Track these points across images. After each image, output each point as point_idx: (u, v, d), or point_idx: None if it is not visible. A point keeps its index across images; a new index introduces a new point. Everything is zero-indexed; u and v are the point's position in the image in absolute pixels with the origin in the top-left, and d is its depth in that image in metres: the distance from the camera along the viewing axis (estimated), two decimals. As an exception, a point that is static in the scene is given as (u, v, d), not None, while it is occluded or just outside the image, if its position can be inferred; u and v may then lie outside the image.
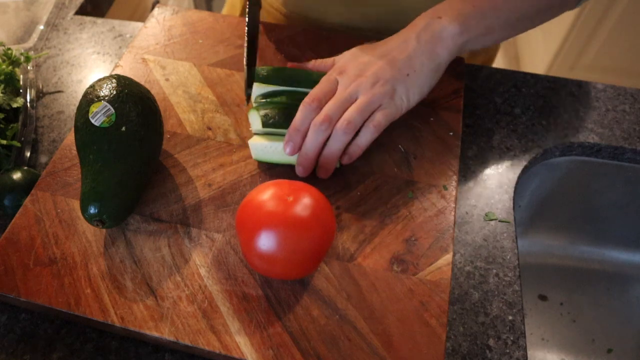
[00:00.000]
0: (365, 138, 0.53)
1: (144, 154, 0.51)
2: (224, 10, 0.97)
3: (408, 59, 0.55)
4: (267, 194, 0.45)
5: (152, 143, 0.53)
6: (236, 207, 0.54)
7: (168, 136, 0.60)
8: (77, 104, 0.68)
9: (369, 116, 0.53)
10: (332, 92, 0.55)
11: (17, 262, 0.49)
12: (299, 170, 0.55)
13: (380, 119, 0.53)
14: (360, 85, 0.54)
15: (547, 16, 0.61)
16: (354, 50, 0.59)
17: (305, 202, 0.45)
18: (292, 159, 0.56)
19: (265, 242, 0.43)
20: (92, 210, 0.47)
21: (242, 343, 0.45)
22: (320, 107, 0.53)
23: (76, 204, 0.54)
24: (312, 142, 0.52)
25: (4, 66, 0.66)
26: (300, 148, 0.54)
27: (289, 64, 0.63)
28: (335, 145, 0.53)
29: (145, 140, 0.51)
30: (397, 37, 0.58)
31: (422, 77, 0.56)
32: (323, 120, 0.52)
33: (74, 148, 0.59)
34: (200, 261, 0.50)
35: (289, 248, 0.44)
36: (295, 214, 0.44)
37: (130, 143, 0.50)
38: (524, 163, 0.63)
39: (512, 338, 0.49)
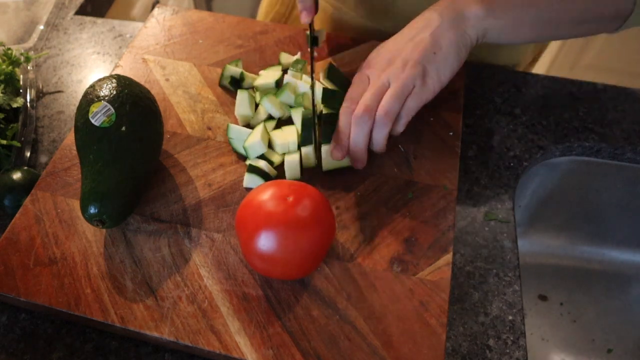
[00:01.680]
0: (399, 126, 0.55)
1: (144, 154, 0.51)
2: (261, 10, 0.95)
3: (433, 37, 0.55)
4: (267, 194, 0.45)
5: (152, 143, 0.53)
6: (236, 207, 0.54)
7: (168, 136, 0.60)
8: (77, 104, 0.68)
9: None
10: (365, 90, 0.56)
11: (17, 262, 0.49)
12: (357, 165, 0.56)
13: (410, 105, 0.54)
14: (390, 72, 0.55)
15: (582, 29, 0.59)
16: (379, 45, 0.60)
17: (305, 202, 0.45)
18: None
19: (265, 242, 0.43)
20: (92, 210, 0.47)
21: (242, 343, 0.45)
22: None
23: (76, 204, 0.54)
24: (358, 135, 0.53)
25: (4, 66, 0.66)
26: (347, 150, 0.54)
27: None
28: (379, 136, 0.54)
29: (145, 140, 0.51)
30: (420, 19, 0.58)
31: (451, 53, 0.55)
32: (364, 112, 0.53)
33: (74, 148, 0.59)
34: (200, 261, 0.50)
35: (289, 248, 0.44)
36: (295, 214, 0.44)
37: (130, 143, 0.50)
38: (524, 163, 0.63)
39: (512, 338, 0.49)
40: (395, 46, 0.57)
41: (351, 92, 0.56)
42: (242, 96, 0.61)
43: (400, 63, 0.55)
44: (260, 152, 0.56)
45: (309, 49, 0.61)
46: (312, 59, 0.60)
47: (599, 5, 0.57)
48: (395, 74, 0.54)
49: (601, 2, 0.57)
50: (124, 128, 0.49)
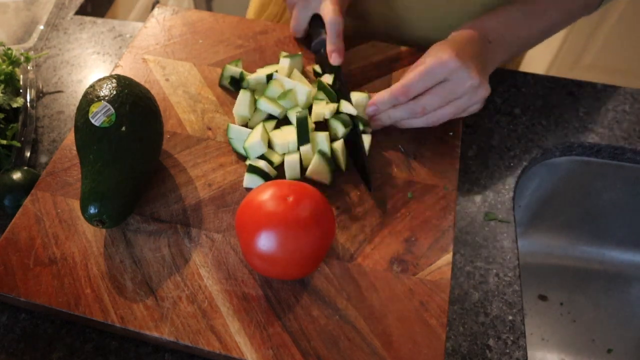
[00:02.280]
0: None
1: (144, 154, 0.51)
2: (250, 9, 0.94)
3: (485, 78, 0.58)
4: (267, 194, 0.45)
5: (152, 143, 0.53)
6: (236, 207, 0.54)
7: (168, 136, 0.60)
8: (77, 104, 0.68)
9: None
10: (428, 88, 0.57)
11: (17, 262, 0.49)
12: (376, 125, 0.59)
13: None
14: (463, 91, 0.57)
15: (571, 21, 0.67)
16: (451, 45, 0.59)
17: (305, 202, 0.45)
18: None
19: (265, 242, 0.43)
20: (92, 210, 0.47)
21: (242, 343, 0.45)
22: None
23: (76, 204, 0.54)
24: (395, 117, 0.58)
25: (4, 66, 0.66)
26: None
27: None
28: (410, 123, 0.58)
29: (145, 140, 0.51)
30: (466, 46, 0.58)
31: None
32: (421, 113, 0.56)
33: (74, 148, 0.59)
34: (200, 261, 0.50)
35: (289, 248, 0.44)
36: (295, 214, 0.44)
37: (130, 143, 0.50)
38: (524, 163, 0.63)
39: (512, 338, 0.49)
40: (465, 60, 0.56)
41: (414, 81, 0.55)
42: (243, 97, 0.61)
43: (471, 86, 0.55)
44: (260, 153, 0.56)
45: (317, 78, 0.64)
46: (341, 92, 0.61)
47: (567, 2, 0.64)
48: (469, 97, 0.56)
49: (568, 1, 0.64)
50: (124, 128, 0.49)
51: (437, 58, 0.55)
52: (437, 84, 0.55)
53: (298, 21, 0.68)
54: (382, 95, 0.57)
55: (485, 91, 0.56)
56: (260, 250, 0.44)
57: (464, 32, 0.59)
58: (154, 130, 0.53)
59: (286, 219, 0.44)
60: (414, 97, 0.56)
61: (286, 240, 0.43)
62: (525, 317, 0.75)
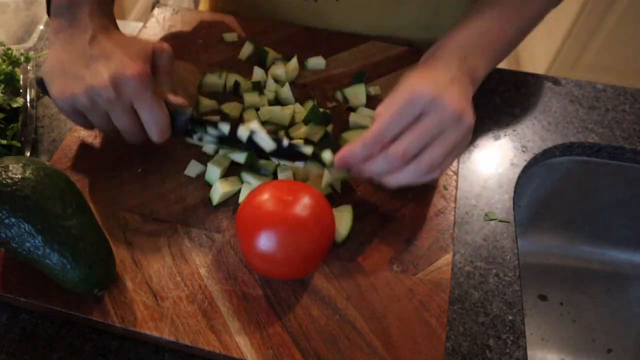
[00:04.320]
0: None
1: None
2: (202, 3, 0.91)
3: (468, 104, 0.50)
4: (266, 195, 0.45)
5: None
6: (236, 207, 0.54)
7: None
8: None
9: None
10: (406, 127, 0.48)
11: (17, 262, 0.49)
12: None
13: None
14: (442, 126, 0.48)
15: (540, 20, 0.61)
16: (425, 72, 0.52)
17: (305, 202, 0.45)
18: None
19: (265, 242, 0.43)
20: (97, 289, 0.46)
21: (242, 343, 0.45)
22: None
23: (76, 204, 0.54)
24: (380, 170, 0.48)
25: (4, 66, 0.66)
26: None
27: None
28: (401, 178, 0.48)
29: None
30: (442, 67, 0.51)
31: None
32: (401, 156, 0.46)
33: (74, 148, 0.59)
34: (200, 261, 0.50)
35: (289, 248, 0.44)
36: (295, 214, 0.44)
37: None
38: (524, 163, 0.63)
39: (512, 338, 0.49)
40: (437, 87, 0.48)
41: (386, 125, 0.47)
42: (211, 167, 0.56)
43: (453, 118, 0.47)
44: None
45: None
46: None
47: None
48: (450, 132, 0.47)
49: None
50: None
51: (407, 92, 0.47)
52: (413, 121, 0.47)
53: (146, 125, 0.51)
54: (353, 148, 0.48)
55: (469, 119, 0.48)
56: (260, 250, 0.44)
57: (434, 54, 0.54)
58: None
59: (286, 218, 0.44)
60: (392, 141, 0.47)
61: (286, 240, 0.43)
62: (525, 317, 0.75)
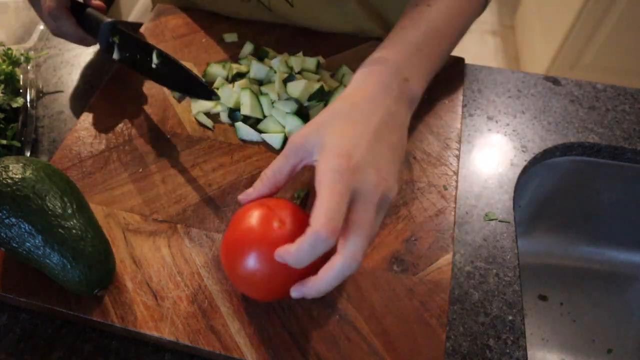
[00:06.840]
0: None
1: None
2: None
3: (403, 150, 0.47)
4: (254, 218, 0.42)
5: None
6: (236, 207, 0.54)
7: (168, 136, 0.60)
8: (77, 104, 0.68)
9: None
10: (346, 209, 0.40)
11: (17, 262, 0.49)
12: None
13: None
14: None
15: (465, 31, 0.58)
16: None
17: (293, 230, 0.41)
18: None
19: (252, 268, 0.41)
20: (97, 289, 0.46)
21: (242, 343, 0.45)
22: None
23: (76, 204, 0.54)
24: (308, 257, 0.38)
25: (4, 66, 0.66)
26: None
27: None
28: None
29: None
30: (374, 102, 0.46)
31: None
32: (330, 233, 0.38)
33: (74, 148, 0.59)
34: (200, 261, 0.50)
35: (272, 272, 0.41)
36: (282, 241, 0.40)
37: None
38: (524, 163, 0.63)
39: (512, 338, 0.49)
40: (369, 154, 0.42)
41: (329, 205, 0.38)
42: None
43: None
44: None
45: None
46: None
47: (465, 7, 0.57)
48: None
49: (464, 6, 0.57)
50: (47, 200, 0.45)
51: (329, 189, 0.39)
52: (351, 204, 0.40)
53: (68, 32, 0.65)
54: (290, 251, 0.38)
55: (393, 193, 0.42)
56: (247, 282, 0.42)
57: (372, 72, 0.48)
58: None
59: (271, 245, 0.40)
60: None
61: (269, 265, 0.41)
62: (525, 317, 0.75)
